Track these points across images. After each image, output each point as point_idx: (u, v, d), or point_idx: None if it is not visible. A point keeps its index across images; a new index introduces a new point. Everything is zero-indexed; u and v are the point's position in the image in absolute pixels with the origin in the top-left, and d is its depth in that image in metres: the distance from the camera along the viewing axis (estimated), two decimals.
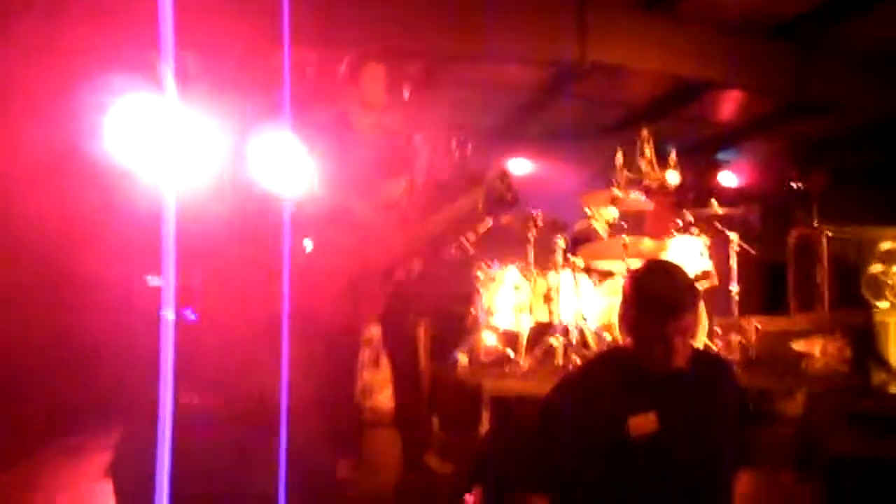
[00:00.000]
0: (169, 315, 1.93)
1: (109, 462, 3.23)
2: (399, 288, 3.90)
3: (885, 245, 6.53)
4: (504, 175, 4.09)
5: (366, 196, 3.89)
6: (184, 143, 2.23)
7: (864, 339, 6.24)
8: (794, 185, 7.06)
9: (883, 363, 6.24)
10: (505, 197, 5.51)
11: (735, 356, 5.86)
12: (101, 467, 3.34)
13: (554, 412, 2.56)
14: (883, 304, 6.41)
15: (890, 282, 6.47)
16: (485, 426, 4.72)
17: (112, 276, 4.61)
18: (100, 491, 3.27)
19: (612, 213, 6.25)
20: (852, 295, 6.39)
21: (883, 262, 6.49)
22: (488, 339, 5.68)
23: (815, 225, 6.60)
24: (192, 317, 5.33)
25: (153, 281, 4.93)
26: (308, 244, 4.49)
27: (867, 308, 6.37)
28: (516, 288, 5.79)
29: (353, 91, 4.00)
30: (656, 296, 2.33)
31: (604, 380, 2.49)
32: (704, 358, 2.60)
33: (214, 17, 5.98)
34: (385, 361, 4.17)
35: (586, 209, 6.23)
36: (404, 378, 3.97)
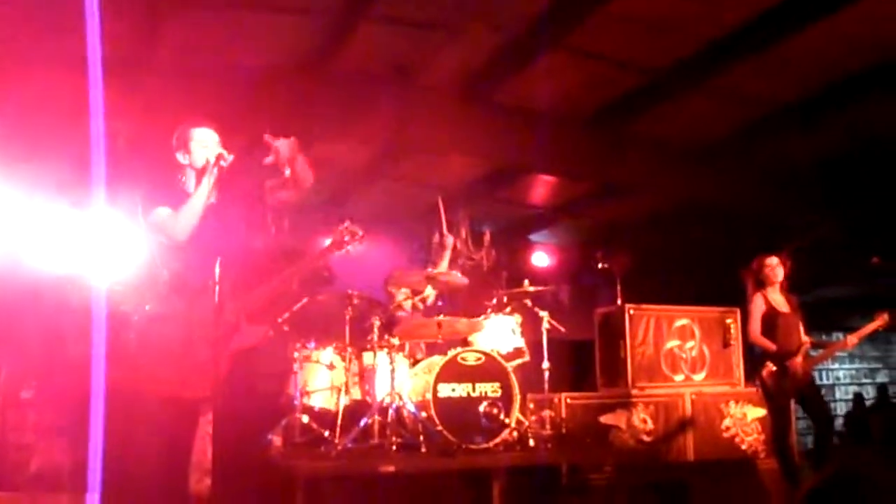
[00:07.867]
0: None
1: None
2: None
3: (681, 322, 7.01)
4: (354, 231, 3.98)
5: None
6: None
7: (664, 411, 6.63)
8: (599, 265, 7.44)
9: (681, 433, 6.63)
10: (321, 274, 5.49)
11: (547, 431, 6.02)
12: None
13: None
14: (679, 378, 6.85)
15: (684, 356, 6.93)
16: None
17: None
18: None
19: (428, 292, 6.35)
20: (653, 369, 6.78)
21: (679, 338, 6.96)
22: (303, 419, 5.56)
23: (619, 303, 6.98)
24: None
25: None
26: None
27: (666, 381, 6.78)
28: (331, 368, 5.74)
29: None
30: None
31: None
32: None
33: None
34: None
35: (394, 289, 6.31)
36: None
